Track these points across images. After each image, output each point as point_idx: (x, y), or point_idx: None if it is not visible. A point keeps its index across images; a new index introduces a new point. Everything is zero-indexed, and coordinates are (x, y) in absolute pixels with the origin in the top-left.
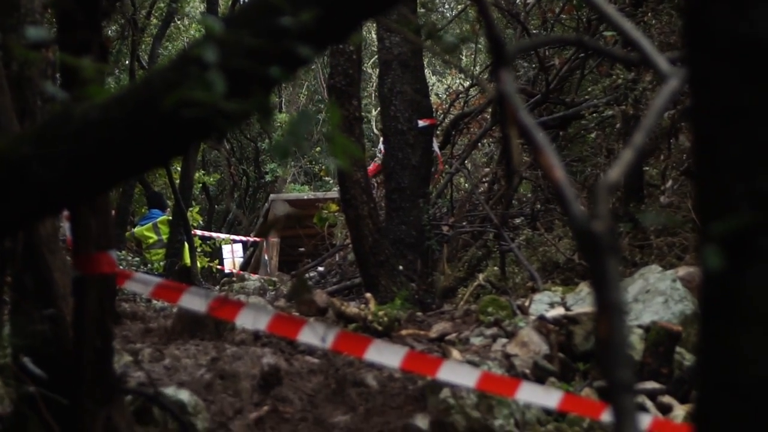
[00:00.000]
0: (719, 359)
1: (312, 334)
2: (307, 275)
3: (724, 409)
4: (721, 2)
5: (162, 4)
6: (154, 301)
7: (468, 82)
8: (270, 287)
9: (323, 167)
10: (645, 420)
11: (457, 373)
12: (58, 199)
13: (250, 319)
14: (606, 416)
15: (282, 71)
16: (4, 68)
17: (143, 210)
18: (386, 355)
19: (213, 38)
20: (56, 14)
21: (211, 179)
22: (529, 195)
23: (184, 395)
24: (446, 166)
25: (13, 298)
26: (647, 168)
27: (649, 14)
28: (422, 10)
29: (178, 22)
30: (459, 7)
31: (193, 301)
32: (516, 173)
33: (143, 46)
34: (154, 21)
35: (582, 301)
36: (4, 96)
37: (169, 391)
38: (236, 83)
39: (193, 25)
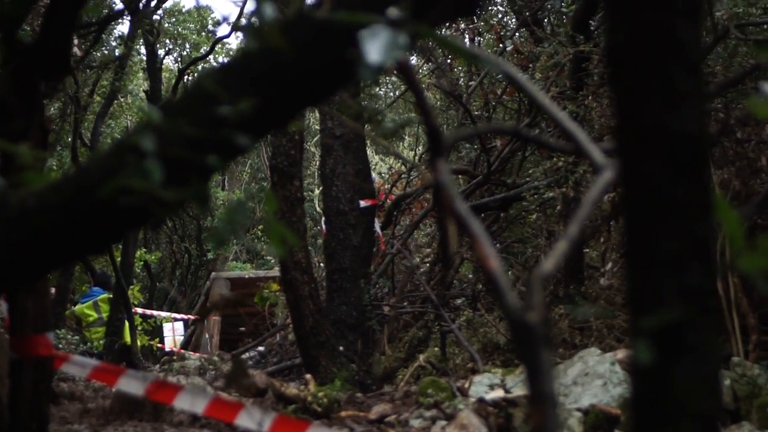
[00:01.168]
0: None
1: (249, 419)
2: (246, 355)
3: None
4: (652, 99)
5: (105, 82)
6: (94, 383)
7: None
8: (210, 366)
9: (264, 247)
10: None
11: None
12: None
13: (188, 403)
14: None
15: (220, 159)
16: None
17: (84, 288)
18: None
19: (151, 126)
20: None
21: (153, 257)
22: (470, 276)
23: None
24: (388, 247)
25: None
26: (587, 250)
27: (590, 97)
28: (363, 95)
29: (122, 100)
30: (402, 88)
31: (131, 384)
32: (452, 259)
33: (86, 124)
34: (97, 99)
35: (522, 383)
36: None
37: None
38: (174, 171)
39: (136, 103)
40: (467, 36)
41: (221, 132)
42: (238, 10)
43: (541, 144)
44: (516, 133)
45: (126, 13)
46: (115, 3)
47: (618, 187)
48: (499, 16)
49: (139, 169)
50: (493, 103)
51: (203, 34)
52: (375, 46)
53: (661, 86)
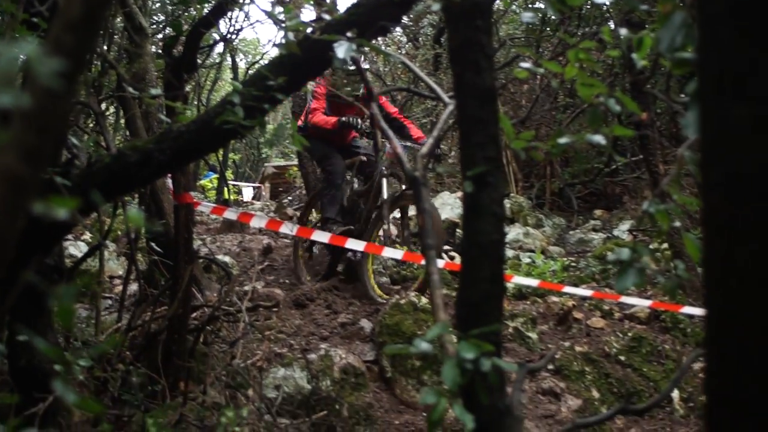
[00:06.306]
0: None
1: (287, 228)
2: (284, 201)
3: None
4: None
5: (211, 74)
6: (212, 215)
7: None
8: (265, 207)
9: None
10: None
11: None
12: (167, 169)
13: (258, 222)
14: None
15: (270, 106)
16: (139, 108)
17: (203, 171)
18: None
19: (236, 91)
20: (163, 82)
21: (238, 157)
22: None
23: (227, 259)
24: None
25: (144, 215)
26: None
27: None
28: None
29: (219, 83)
30: None
31: (230, 214)
32: None
33: (202, 95)
34: (206, 83)
35: None
36: (139, 121)
37: (219, 257)
38: (248, 112)
39: (226, 85)
40: None
41: (270, 93)
42: (274, 35)
43: None
44: None
45: (220, 41)
46: (212, 35)
47: None
48: None
49: (232, 111)
50: None
51: (258, 49)
52: (341, 51)
53: None
